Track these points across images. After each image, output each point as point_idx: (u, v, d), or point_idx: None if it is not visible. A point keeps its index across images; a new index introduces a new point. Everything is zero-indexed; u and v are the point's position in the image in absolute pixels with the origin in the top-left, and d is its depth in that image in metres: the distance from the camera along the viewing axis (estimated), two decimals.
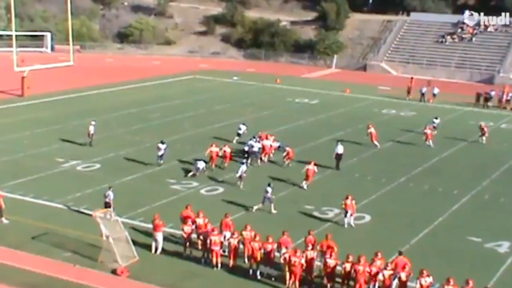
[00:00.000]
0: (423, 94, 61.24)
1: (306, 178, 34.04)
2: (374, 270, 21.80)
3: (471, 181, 36.31)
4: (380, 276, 21.62)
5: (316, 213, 30.39)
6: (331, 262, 22.39)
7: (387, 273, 21.65)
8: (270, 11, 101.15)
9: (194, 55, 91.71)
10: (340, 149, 38.00)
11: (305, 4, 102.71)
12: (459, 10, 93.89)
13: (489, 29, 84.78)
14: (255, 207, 30.56)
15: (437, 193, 34.42)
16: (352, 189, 33.92)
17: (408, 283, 21.67)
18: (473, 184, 35.82)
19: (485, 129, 45.48)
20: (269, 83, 69.01)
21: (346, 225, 28.83)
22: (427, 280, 21.16)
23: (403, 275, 21.56)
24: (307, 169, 34.04)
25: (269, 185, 30.73)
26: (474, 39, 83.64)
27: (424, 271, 21.31)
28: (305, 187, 34.05)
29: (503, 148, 44.45)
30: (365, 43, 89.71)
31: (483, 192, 34.73)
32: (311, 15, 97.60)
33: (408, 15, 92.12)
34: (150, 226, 25.86)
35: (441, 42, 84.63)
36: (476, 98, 60.96)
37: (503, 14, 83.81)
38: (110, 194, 28.68)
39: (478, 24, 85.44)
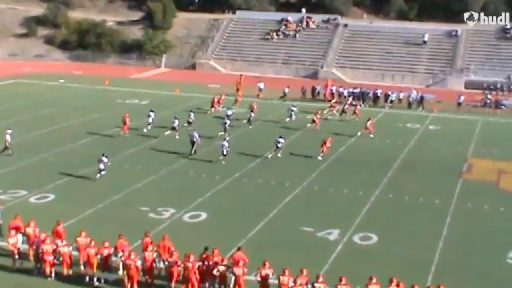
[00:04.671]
0: (260, 89, 63.15)
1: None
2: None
3: (302, 173, 37.52)
4: (215, 271, 21.84)
5: (152, 214, 30.07)
6: (171, 261, 22.31)
7: (222, 268, 21.91)
8: (95, 12, 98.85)
9: (15, 58, 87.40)
10: (194, 137, 40.46)
11: (130, 4, 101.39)
12: (282, 7, 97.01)
13: (310, 26, 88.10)
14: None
15: (270, 186, 35.26)
16: (187, 188, 34.14)
17: (246, 277, 21.98)
18: (303, 175, 37.03)
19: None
20: (98, 85, 67.45)
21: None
22: (267, 271, 21.63)
23: (236, 271, 21.80)
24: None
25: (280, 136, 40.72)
26: (297, 35, 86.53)
27: (266, 263, 21.77)
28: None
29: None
30: (193, 42, 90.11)
31: (313, 183, 36.02)
32: (137, 15, 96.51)
33: (233, 13, 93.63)
34: None
35: (267, 39, 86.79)
36: (302, 92, 63.24)
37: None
38: None
39: (301, 21, 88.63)
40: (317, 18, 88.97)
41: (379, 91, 61.59)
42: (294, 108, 52.44)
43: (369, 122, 47.73)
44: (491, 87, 69.76)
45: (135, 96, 61.67)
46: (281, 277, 21.18)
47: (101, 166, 34.95)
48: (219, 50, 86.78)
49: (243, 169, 37.95)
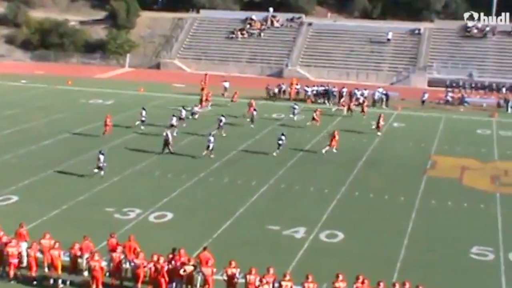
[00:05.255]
0: (225, 88, 63.05)
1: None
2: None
3: (268, 171, 37.56)
4: (181, 271, 21.76)
5: (117, 215, 29.82)
6: (138, 262, 22.16)
7: (188, 268, 21.84)
8: (56, 11, 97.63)
9: None
10: (166, 135, 40.68)
11: (93, 3, 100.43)
12: (247, 6, 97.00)
13: (275, 25, 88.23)
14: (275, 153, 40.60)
15: (237, 185, 35.23)
16: (153, 188, 33.95)
17: (214, 277, 21.93)
18: (269, 174, 37.08)
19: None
20: (61, 85, 66.69)
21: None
22: (233, 270, 21.61)
23: (205, 270, 21.76)
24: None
25: (282, 134, 41.86)
26: (262, 34, 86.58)
27: (233, 262, 21.74)
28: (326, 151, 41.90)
29: (295, 138, 46.36)
30: (157, 41, 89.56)
31: (280, 181, 36.08)
32: (100, 14, 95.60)
33: (198, 12, 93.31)
34: None
35: (232, 38, 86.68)
36: (266, 92, 63.27)
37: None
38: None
39: (265, 19, 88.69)
40: (282, 17, 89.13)
41: (344, 90, 62.00)
42: (296, 107, 53.23)
43: (381, 119, 48.96)
44: (454, 84, 70.70)
45: (99, 96, 61.13)
46: (248, 276, 21.17)
47: (99, 163, 35.23)
48: (184, 50, 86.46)
49: (209, 168, 37.86)
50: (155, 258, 21.92)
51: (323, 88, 63.10)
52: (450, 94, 64.61)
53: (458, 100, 63.88)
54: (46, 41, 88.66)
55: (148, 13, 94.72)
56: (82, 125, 47.00)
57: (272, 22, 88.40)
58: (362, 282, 20.83)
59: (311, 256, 26.08)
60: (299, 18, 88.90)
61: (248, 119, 50.31)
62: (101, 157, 35.33)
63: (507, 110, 60.96)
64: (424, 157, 42.64)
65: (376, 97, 61.39)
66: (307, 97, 62.27)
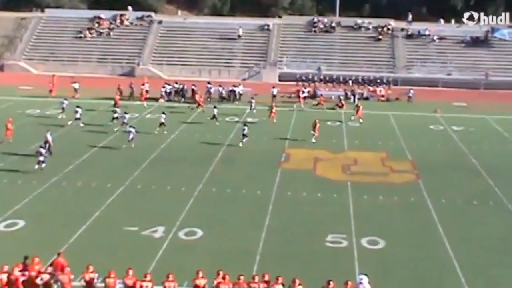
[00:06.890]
0: (76, 90, 61.41)
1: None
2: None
3: (123, 173, 36.94)
4: (38, 280, 20.95)
5: None
6: None
7: (45, 276, 21.09)
8: None
9: None
10: (46, 137, 40.11)
11: None
12: (94, 5, 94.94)
13: (125, 23, 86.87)
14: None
15: (91, 188, 34.36)
16: (1, 196, 32.41)
17: (72, 283, 21.28)
18: (125, 175, 36.48)
19: None
20: None
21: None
22: (91, 275, 21.11)
23: (62, 278, 21.07)
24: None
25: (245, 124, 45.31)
26: (111, 33, 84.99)
27: (90, 267, 21.31)
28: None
29: (151, 137, 45.90)
30: None
31: (136, 182, 35.59)
32: None
33: (42, 11, 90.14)
34: None
35: (80, 37, 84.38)
36: (119, 92, 61.96)
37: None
38: None
39: (114, 18, 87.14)
40: (131, 15, 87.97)
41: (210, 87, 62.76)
42: (253, 100, 56.12)
43: (361, 108, 54.60)
44: (303, 78, 72.66)
45: None
46: (107, 280, 20.81)
47: (41, 158, 36.14)
48: (29, 50, 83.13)
49: (61, 172, 36.68)
50: (5, 268, 20.96)
51: (181, 86, 63.20)
52: (304, 89, 65.31)
53: (309, 93, 65.78)
54: None
55: None
56: None
57: (121, 20, 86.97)
58: (223, 278, 20.97)
59: (171, 255, 25.95)
60: (148, 16, 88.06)
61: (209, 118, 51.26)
62: (42, 150, 36.40)
63: (354, 101, 63.47)
64: (278, 150, 43.55)
65: (223, 94, 62.31)
66: (161, 96, 61.80)
